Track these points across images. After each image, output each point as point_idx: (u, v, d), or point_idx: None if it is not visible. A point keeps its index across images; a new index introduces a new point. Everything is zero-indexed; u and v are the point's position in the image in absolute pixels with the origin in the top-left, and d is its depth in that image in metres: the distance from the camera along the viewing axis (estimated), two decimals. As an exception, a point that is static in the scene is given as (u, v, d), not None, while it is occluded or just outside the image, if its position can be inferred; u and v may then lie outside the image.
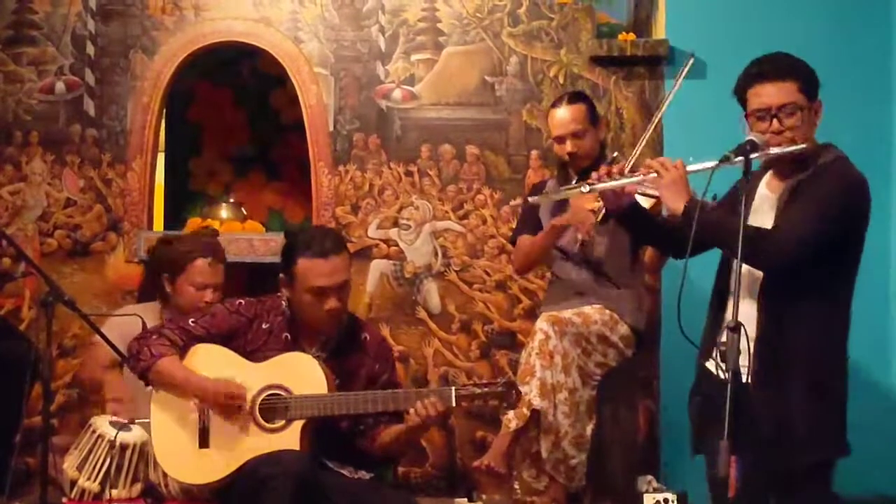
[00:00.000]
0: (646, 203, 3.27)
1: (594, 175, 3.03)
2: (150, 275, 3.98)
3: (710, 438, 2.78)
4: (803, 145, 2.87)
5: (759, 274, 2.91)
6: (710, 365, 2.96)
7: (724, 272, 3.04)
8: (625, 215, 3.10)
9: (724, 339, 2.64)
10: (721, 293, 3.02)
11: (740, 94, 2.98)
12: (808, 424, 2.85)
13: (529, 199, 3.38)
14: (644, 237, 3.46)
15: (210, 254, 3.83)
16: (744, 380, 2.82)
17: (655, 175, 2.94)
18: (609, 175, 3.00)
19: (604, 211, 3.29)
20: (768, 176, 3.02)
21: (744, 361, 2.83)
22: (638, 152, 3.91)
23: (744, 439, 2.73)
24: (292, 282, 3.30)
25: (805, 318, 2.86)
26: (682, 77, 4.01)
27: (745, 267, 2.91)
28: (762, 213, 2.95)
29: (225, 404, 3.21)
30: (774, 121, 2.88)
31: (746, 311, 2.88)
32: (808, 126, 2.92)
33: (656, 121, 4.09)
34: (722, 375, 2.71)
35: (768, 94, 2.90)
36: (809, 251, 2.81)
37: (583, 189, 3.01)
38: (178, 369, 3.26)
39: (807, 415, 2.85)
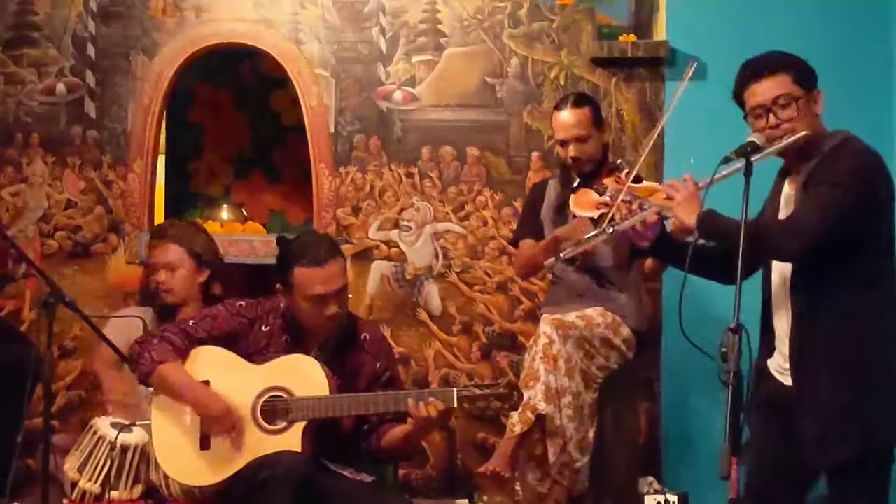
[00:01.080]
0: None
1: (615, 215, 3.00)
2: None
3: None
4: (804, 133, 2.85)
5: (789, 273, 2.88)
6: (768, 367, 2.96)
7: (766, 276, 3.00)
8: (658, 247, 3.05)
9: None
10: (765, 298, 2.99)
11: (738, 97, 2.98)
12: (857, 418, 2.79)
13: (546, 262, 3.35)
14: (684, 264, 3.18)
15: (152, 233, 3.93)
16: (783, 381, 2.88)
17: (668, 199, 2.92)
18: (619, 182, 3.01)
19: (608, 219, 3.24)
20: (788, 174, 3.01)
21: (783, 364, 2.87)
22: (640, 162, 3.86)
23: (784, 439, 2.82)
24: (290, 291, 3.29)
25: (841, 309, 2.82)
26: (686, 80, 3.96)
27: (779, 270, 2.92)
28: (786, 210, 2.95)
29: (221, 423, 3.20)
30: (771, 115, 2.88)
31: (785, 314, 2.89)
32: (807, 116, 2.90)
33: (659, 128, 4.06)
34: (786, 382, 2.85)
35: (763, 90, 2.90)
36: (827, 234, 2.76)
37: (608, 230, 2.99)
38: (178, 377, 3.25)
39: (855, 406, 2.79)
